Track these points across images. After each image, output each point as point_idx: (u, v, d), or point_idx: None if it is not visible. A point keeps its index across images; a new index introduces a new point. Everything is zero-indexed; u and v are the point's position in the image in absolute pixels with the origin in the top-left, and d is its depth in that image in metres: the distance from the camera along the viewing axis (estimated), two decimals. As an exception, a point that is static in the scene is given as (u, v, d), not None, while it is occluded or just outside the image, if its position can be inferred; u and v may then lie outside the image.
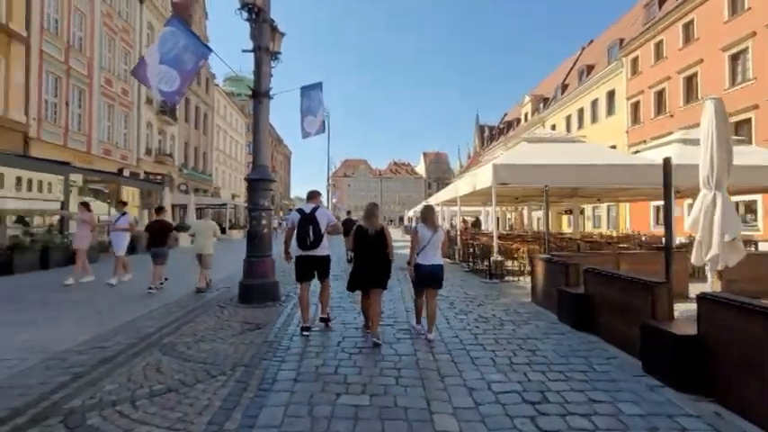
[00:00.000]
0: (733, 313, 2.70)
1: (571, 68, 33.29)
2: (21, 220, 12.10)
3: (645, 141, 20.96)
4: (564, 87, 32.38)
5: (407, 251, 4.68)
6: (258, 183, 6.22)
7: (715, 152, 4.43)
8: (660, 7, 21.93)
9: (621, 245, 9.58)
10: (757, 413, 2.47)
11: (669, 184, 3.92)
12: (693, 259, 4.65)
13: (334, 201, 46.62)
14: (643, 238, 13.44)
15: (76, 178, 13.82)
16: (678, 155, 7.09)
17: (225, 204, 26.95)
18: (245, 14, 5.90)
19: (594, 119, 27.50)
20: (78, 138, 17.18)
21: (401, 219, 60.32)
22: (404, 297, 6.47)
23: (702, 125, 4.62)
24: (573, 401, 2.80)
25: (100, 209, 13.50)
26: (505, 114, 52.22)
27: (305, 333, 4.32)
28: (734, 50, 16.85)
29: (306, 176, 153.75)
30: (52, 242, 10.33)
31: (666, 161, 3.94)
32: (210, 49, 5.91)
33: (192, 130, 30.34)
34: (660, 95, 21.36)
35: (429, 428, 2.43)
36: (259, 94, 6.27)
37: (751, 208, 16.36)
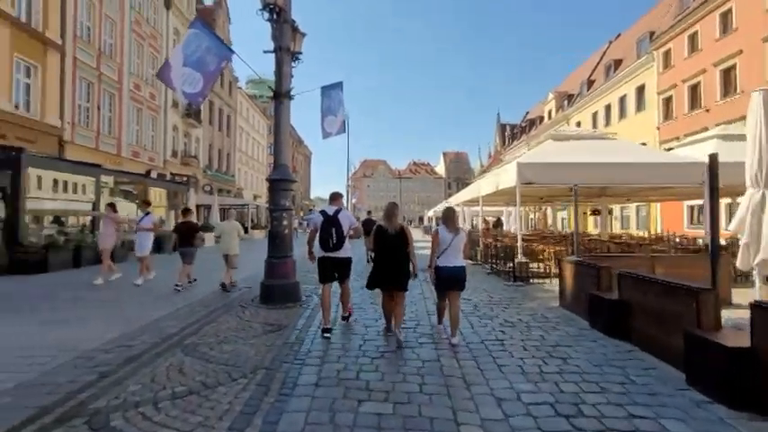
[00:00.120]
0: (794, 324, 2.45)
1: (597, 63, 32.18)
2: (57, 220, 12.63)
3: (678, 138, 19.99)
4: (590, 83, 31.33)
5: (428, 251, 4.57)
6: (279, 183, 6.22)
7: (764, 148, 4.10)
8: (694, -3, 20.87)
9: (654, 247, 9.11)
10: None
11: (715, 184, 3.64)
12: (739, 263, 4.33)
13: (353, 201, 46.82)
14: (676, 240, 12.80)
15: (108, 180, 14.32)
16: (717, 152, 6.67)
17: (247, 205, 27.47)
18: (266, 15, 5.90)
19: (623, 115, 26.48)
20: (109, 141, 17.84)
21: (420, 219, 59.97)
22: (425, 299, 6.34)
23: (749, 119, 4.29)
24: (611, 416, 2.61)
25: (128, 209, 13.94)
26: (528, 112, 51.05)
27: (326, 335, 4.28)
28: (777, 40, 15.82)
29: (326, 177, 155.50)
30: (84, 242, 10.74)
31: (713, 158, 3.66)
32: (233, 51, 5.95)
33: (216, 132, 31.07)
34: (695, 89, 20.33)
35: (456, 441, 2.31)
36: (280, 95, 6.28)
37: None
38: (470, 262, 11.36)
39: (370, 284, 4.42)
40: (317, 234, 4.53)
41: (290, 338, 4.22)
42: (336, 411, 2.62)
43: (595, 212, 20.09)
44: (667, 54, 22.26)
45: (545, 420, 2.55)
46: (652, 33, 23.84)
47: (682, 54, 21.04)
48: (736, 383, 2.71)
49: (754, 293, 4.66)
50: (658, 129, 22.65)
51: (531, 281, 8.06)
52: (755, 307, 2.73)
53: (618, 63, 27.78)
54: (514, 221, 21.53)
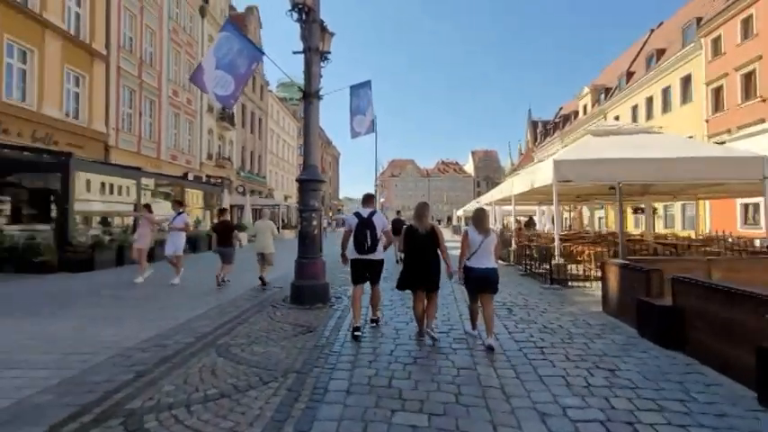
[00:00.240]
0: None
1: (637, 54, 30.46)
2: (103, 220, 13.35)
3: (729, 131, 18.54)
4: (629, 75, 29.68)
5: (457, 252, 4.41)
6: (308, 183, 6.22)
7: None
8: (748, -22, 19.27)
9: (707, 248, 8.42)
10: None
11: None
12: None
13: (381, 201, 46.88)
14: (729, 240, 11.81)
15: (148, 182, 15.00)
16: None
17: (278, 205, 28.07)
18: (295, 15, 5.90)
19: (666, 108, 24.90)
20: (149, 145, 18.72)
21: (449, 218, 59.17)
22: (457, 301, 6.14)
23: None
24: (673, 439, 2.35)
25: (167, 209, 14.52)
26: (561, 108, 49.13)
27: (356, 333, 4.24)
28: None
29: (354, 177, 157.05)
30: (127, 241, 11.24)
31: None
32: (263, 52, 5.99)
33: (249, 134, 31.96)
34: (749, 78, 18.76)
35: (498, 461, 2.13)
36: (309, 95, 6.26)
37: None
38: (503, 263, 10.98)
39: (401, 285, 4.39)
40: (351, 236, 4.48)
41: (321, 341, 4.16)
42: (369, 421, 2.51)
43: (637, 211, 18.97)
44: (717, 41, 20.70)
45: (596, 441, 2.32)
46: (699, 19, 22.26)
47: (734, 40, 19.49)
48: (824, 407, 2.37)
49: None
50: (707, 121, 21.12)
51: (570, 284, 7.65)
52: None
53: (660, 53, 26.15)
54: (548, 221, 20.75)
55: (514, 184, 10.18)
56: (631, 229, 23.39)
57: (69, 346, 3.94)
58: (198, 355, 3.68)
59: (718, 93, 20.65)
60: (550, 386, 3.08)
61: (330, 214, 45.81)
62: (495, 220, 17.62)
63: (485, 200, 15.76)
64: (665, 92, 24.99)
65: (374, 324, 4.74)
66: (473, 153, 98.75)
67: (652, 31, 31.62)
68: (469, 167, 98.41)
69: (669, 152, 7.12)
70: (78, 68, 14.24)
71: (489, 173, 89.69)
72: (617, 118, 29.55)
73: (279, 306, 5.82)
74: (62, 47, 13.32)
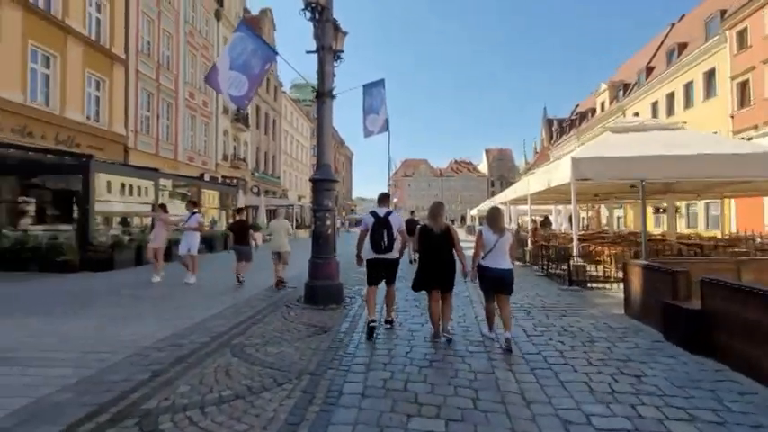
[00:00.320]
0: None
1: (658, 49, 29.58)
2: (123, 221, 13.65)
3: (756, 127, 17.85)
4: (648, 71, 28.85)
5: (471, 252, 4.33)
6: (322, 183, 6.19)
7: None
8: (776, -33, 18.47)
9: (735, 249, 8.08)
10: None
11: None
12: None
13: (395, 201, 46.80)
14: (757, 240, 11.32)
15: (166, 183, 15.28)
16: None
17: (292, 205, 28.30)
18: (308, 14, 5.89)
19: (688, 104, 24.10)
20: (167, 147, 19.07)
21: (463, 218, 58.65)
22: (472, 302, 6.03)
23: None
24: (707, 451, 2.21)
25: (182, 210, 14.76)
26: (577, 105, 48.14)
27: (372, 324, 4.25)
28: None
29: (367, 177, 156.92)
30: (144, 241, 11.45)
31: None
32: (276, 52, 5.99)
33: (263, 135, 32.30)
34: (777, 71, 18.01)
35: (520, 471, 2.04)
36: (322, 95, 6.24)
37: None
38: (519, 263, 10.79)
39: (417, 286, 4.36)
40: (368, 235, 4.43)
41: (335, 342, 4.12)
42: (384, 426, 2.44)
43: (658, 210, 18.42)
44: (742, 33, 19.92)
45: (624, 451, 2.21)
46: (723, 12, 21.47)
47: (760, 32, 18.73)
48: None
49: None
50: (732, 117, 20.34)
51: (589, 285, 7.44)
52: None
53: (682, 47, 25.34)
54: (564, 220, 20.32)
55: (530, 183, 9.97)
56: (652, 228, 22.72)
57: (89, 345, 3.99)
58: (213, 356, 3.69)
59: (744, 87, 19.88)
60: (572, 392, 2.96)
61: (343, 214, 46.01)
62: (510, 220, 17.36)
63: (499, 199, 15.52)
64: (688, 87, 24.18)
65: (389, 326, 4.68)
66: (487, 152, 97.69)
67: (673, 25, 30.68)
68: (483, 167, 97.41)
69: (694, 149, 6.85)
70: (99, 72, 14.60)
71: (504, 172, 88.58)
72: (636, 114, 28.74)
73: (293, 306, 5.81)
74: (83, 52, 13.67)
